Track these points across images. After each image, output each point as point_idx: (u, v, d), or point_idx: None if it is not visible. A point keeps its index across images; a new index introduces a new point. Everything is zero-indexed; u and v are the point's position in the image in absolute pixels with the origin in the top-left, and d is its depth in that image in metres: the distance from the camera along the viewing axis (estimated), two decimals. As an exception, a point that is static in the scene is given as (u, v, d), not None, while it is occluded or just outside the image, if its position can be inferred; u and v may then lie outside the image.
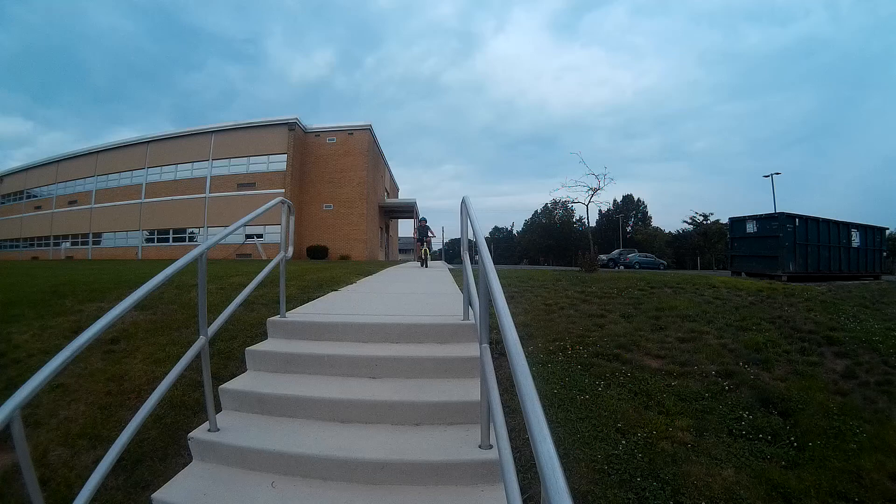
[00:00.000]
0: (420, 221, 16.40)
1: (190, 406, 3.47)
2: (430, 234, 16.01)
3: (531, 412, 1.11)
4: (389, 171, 44.88)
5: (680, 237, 60.11)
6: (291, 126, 31.26)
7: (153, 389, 2.35)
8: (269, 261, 4.20)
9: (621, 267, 29.67)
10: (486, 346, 2.21)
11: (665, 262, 37.20)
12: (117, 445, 1.97)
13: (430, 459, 2.39)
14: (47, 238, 39.43)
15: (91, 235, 36.60)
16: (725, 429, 3.09)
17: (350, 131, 32.88)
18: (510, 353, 1.40)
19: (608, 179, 16.62)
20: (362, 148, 32.52)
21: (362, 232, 31.29)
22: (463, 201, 3.54)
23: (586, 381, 3.63)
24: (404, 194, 52.74)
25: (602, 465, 2.65)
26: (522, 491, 2.50)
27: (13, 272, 12.62)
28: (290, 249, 4.25)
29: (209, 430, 2.75)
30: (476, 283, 2.63)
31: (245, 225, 3.50)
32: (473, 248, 3.60)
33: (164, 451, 3.07)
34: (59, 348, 1.81)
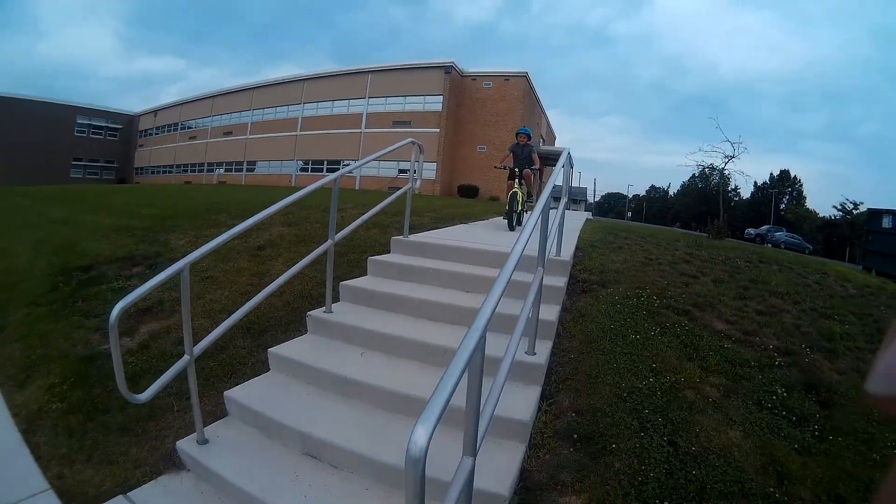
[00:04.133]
0: (518, 137, 7.47)
1: (315, 297, 4.48)
2: (534, 163, 7.32)
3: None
4: (546, 119, 44.35)
5: (830, 223, 52.85)
6: (447, 69, 31.92)
7: (288, 283, 3.20)
8: (418, 194, 5.10)
9: (768, 244, 26.51)
10: (540, 269, 2.84)
11: (811, 247, 33.39)
12: (243, 309, 2.89)
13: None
14: (201, 164, 43.88)
15: (245, 163, 40.24)
16: (755, 397, 3.07)
17: (506, 77, 32.97)
18: (500, 274, 1.87)
19: (742, 148, 15.40)
20: (518, 94, 32.57)
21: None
22: (567, 152, 4.17)
23: (646, 325, 3.80)
24: (562, 143, 52.07)
25: (623, 393, 3.00)
26: (549, 395, 3.05)
27: (171, 193, 14.93)
28: (418, 182, 5.06)
29: (324, 312, 3.72)
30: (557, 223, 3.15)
31: (376, 159, 4.67)
32: (566, 193, 4.51)
33: (286, 325, 4.11)
34: (210, 253, 2.67)
